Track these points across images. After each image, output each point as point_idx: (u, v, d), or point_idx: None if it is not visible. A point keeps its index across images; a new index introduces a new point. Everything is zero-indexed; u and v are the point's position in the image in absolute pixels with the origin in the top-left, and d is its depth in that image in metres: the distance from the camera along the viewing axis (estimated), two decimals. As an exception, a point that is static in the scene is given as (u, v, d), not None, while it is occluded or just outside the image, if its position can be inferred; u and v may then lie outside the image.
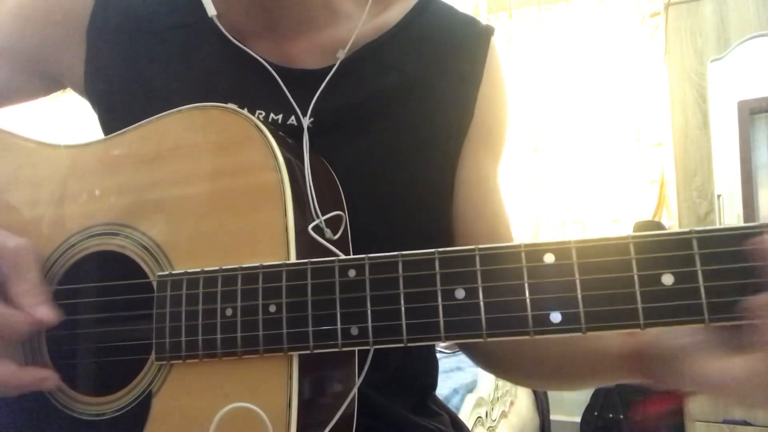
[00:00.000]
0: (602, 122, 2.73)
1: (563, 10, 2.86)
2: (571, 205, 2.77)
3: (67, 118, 3.33)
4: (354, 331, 0.43)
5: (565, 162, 2.78)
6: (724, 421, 1.98)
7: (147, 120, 0.55)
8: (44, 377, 0.52)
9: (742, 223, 0.35)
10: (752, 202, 2.03)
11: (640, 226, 2.51)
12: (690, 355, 0.44)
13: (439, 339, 0.40)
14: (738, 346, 0.39)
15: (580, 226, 2.77)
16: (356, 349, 0.49)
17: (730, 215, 2.03)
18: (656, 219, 2.62)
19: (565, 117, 2.79)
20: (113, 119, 0.63)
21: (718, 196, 2.05)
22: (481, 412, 2.01)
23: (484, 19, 2.78)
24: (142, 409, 0.49)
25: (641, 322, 0.37)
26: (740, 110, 2.06)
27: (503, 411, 2.27)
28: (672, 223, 2.42)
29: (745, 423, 1.96)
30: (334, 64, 0.62)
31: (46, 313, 0.50)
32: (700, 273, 0.36)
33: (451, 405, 1.86)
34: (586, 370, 0.61)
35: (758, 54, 2.07)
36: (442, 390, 1.83)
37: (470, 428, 1.77)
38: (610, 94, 2.72)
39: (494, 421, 2.14)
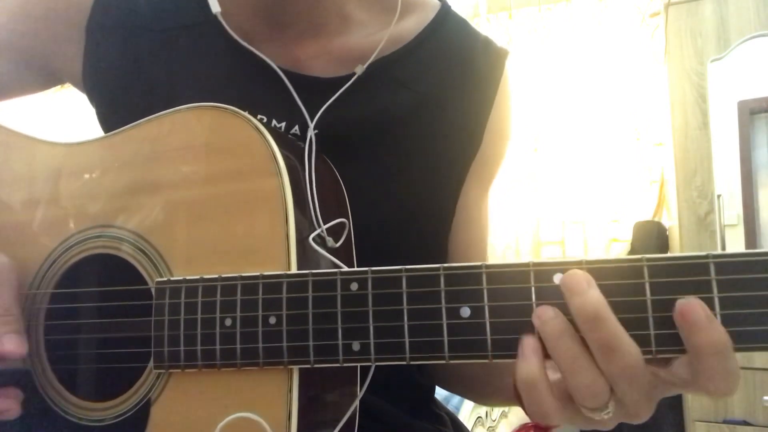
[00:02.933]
0: (602, 122, 2.72)
1: (563, 10, 2.85)
2: (571, 205, 2.76)
3: (68, 114, 3.31)
4: (355, 346, 0.42)
5: (565, 162, 2.77)
6: (724, 421, 1.98)
7: (145, 119, 0.54)
8: (4, 409, 0.50)
9: (760, 249, 0.34)
10: (752, 202, 2.03)
11: (640, 226, 2.51)
12: None
13: (443, 359, 0.39)
14: None
15: (580, 226, 2.76)
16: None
17: (730, 215, 2.03)
18: (656, 219, 2.61)
19: (565, 117, 2.78)
20: (112, 116, 0.63)
21: (718, 196, 2.04)
22: (481, 412, 2.01)
23: (484, 19, 2.78)
24: (141, 416, 0.49)
25: (653, 348, 0.36)
26: (740, 110, 2.05)
27: (503, 411, 2.27)
28: (672, 223, 2.41)
29: (745, 423, 1.96)
30: (344, 75, 0.61)
31: (11, 345, 0.48)
32: (716, 300, 0.34)
33: (451, 405, 1.85)
34: (500, 396, 0.63)
35: (758, 54, 2.07)
36: (442, 390, 1.83)
37: (470, 428, 1.77)
38: (610, 94, 2.71)
39: (494, 421, 2.14)
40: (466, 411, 1.90)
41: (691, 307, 0.34)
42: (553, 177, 2.79)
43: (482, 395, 0.69)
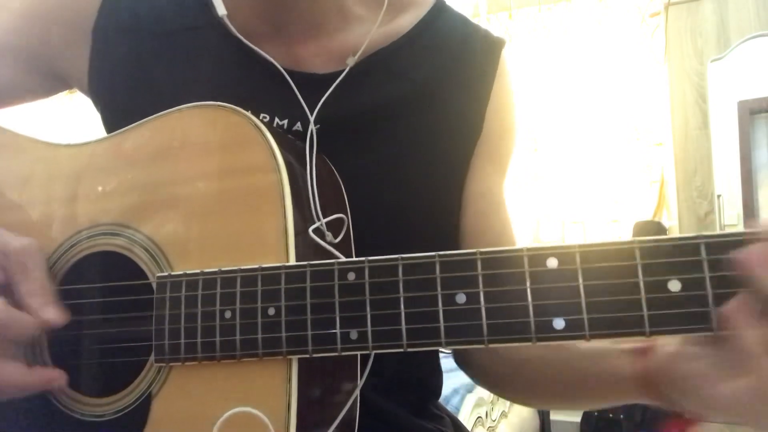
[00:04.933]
0: (602, 122, 2.72)
1: (563, 10, 2.86)
2: (571, 205, 2.77)
3: (74, 117, 3.32)
4: (353, 335, 0.42)
5: (565, 162, 2.78)
6: (724, 421, 1.97)
7: (147, 119, 0.55)
8: (52, 378, 0.51)
9: (746, 228, 0.34)
10: (752, 202, 2.03)
11: (640, 226, 2.51)
12: (700, 378, 0.42)
13: (439, 344, 0.40)
14: (740, 365, 0.37)
15: (580, 226, 2.77)
16: (357, 353, 0.49)
17: (730, 215, 2.03)
18: (656, 219, 2.61)
19: (565, 117, 2.79)
20: (117, 119, 0.63)
21: (718, 196, 2.05)
22: (481, 412, 2.01)
23: (484, 19, 2.79)
24: (141, 410, 0.49)
25: (647, 329, 0.37)
26: (740, 110, 2.06)
27: (503, 411, 2.27)
28: (672, 223, 2.42)
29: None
30: (341, 70, 0.62)
31: (53, 313, 0.50)
32: (708, 280, 0.35)
33: (451, 405, 1.86)
34: (595, 392, 0.59)
35: (758, 54, 2.07)
36: (443, 390, 1.81)
37: (470, 428, 1.77)
38: (610, 94, 2.72)
39: (494, 421, 2.14)
40: (466, 411, 1.90)
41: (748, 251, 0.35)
42: (553, 177, 2.80)
43: (561, 399, 0.66)
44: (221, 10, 0.62)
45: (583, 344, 0.40)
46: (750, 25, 2.07)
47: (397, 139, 0.62)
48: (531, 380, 0.64)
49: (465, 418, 1.85)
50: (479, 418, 1.98)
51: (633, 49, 2.70)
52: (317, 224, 0.50)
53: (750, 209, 2.02)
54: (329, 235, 0.51)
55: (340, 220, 0.54)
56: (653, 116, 2.63)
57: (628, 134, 2.69)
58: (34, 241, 0.52)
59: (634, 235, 2.50)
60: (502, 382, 0.68)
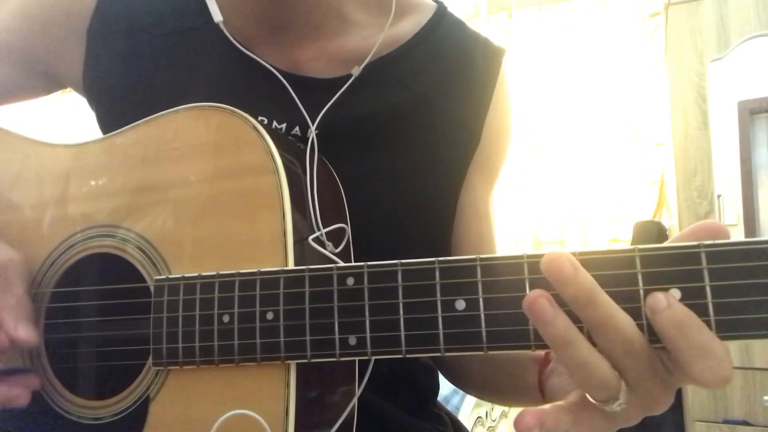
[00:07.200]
0: (602, 122, 2.72)
1: (563, 10, 2.85)
2: (571, 205, 2.76)
3: (70, 117, 3.32)
4: (352, 341, 0.42)
5: (565, 162, 2.77)
6: (724, 421, 1.98)
7: (144, 120, 0.55)
8: (13, 396, 0.51)
9: (753, 238, 0.34)
10: (752, 202, 2.03)
11: (640, 226, 2.51)
12: (561, 393, 0.47)
13: (438, 351, 0.40)
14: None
15: (580, 226, 2.76)
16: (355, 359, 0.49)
17: (730, 215, 2.03)
18: (656, 219, 2.61)
19: (565, 117, 2.79)
20: (112, 119, 0.63)
21: (718, 196, 2.04)
22: (481, 412, 2.01)
23: (484, 20, 2.79)
24: (139, 413, 0.49)
25: (646, 338, 0.36)
26: (740, 110, 2.05)
27: (503, 411, 2.27)
28: (672, 223, 2.41)
29: (745, 423, 1.96)
30: (343, 75, 0.61)
31: (24, 333, 0.49)
32: (708, 288, 0.35)
33: (451, 405, 1.86)
34: (519, 395, 0.61)
35: (758, 54, 2.07)
36: (443, 390, 1.80)
37: (470, 428, 1.77)
38: (610, 94, 2.71)
39: (494, 421, 2.14)
40: (466, 411, 1.90)
41: (652, 296, 0.35)
42: (553, 177, 2.79)
43: (502, 397, 0.68)
44: (217, 16, 0.61)
45: None
46: (750, 25, 2.07)
47: (396, 146, 0.62)
48: (475, 377, 0.68)
49: (465, 418, 1.85)
50: (479, 418, 1.97)
51: (633, 49, 2.70)
52: (317, 234, 0.50)
53: (750, 209, 2.01)
54: (330, 246, 0.51)
55: (341, 230, 0.54)
56: (653, 116, 2.63)
57: (628, 134, 2.69)
58: (19, 255, 0.52)
59: (634, 235, 2.50)
60: (453, 373, 0.71)
